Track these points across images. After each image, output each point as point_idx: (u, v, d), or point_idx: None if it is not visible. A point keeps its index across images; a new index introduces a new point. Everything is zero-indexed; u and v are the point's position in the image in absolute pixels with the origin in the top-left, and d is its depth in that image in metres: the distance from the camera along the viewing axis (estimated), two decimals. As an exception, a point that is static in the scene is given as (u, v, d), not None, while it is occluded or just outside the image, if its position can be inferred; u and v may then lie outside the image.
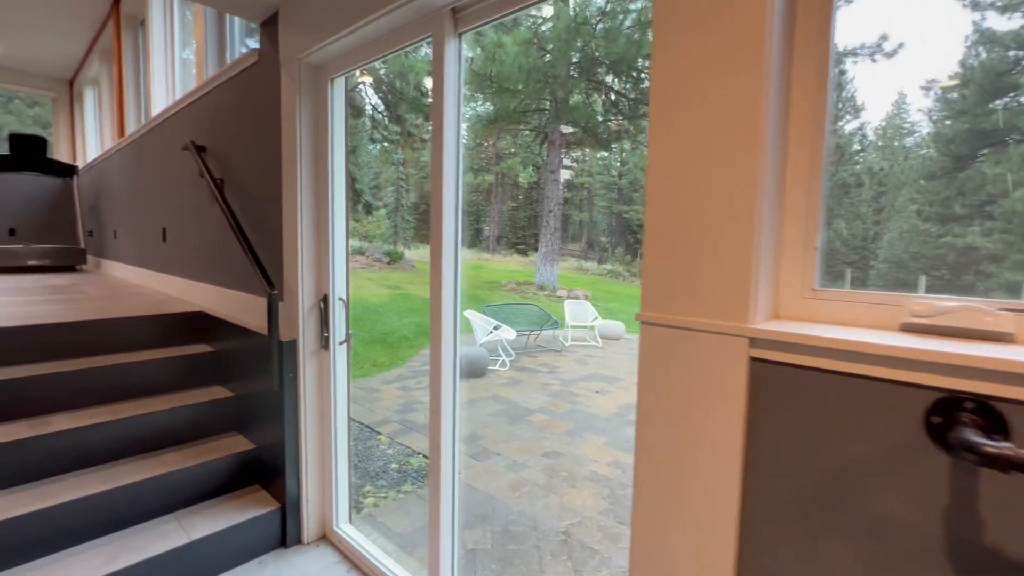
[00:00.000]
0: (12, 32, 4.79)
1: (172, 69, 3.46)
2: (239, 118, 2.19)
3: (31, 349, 1.97)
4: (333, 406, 1.86)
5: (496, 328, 6.09)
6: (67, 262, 4.63)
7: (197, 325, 2.41)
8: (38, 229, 5.89)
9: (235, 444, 2.00)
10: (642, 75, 11.01)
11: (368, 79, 14.21)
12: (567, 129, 13.28)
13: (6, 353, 1.92)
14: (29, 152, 4.74)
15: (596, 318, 7.75)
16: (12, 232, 5.74)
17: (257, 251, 1.93)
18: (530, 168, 20.90)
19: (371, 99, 15.85)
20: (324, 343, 1.82)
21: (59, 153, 6.17)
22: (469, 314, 6.01)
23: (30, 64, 5.61)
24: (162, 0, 3.51)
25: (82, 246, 4.85)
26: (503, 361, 5.90)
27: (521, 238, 23.04)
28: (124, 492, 1.67)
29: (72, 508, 1.57)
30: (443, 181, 1.36)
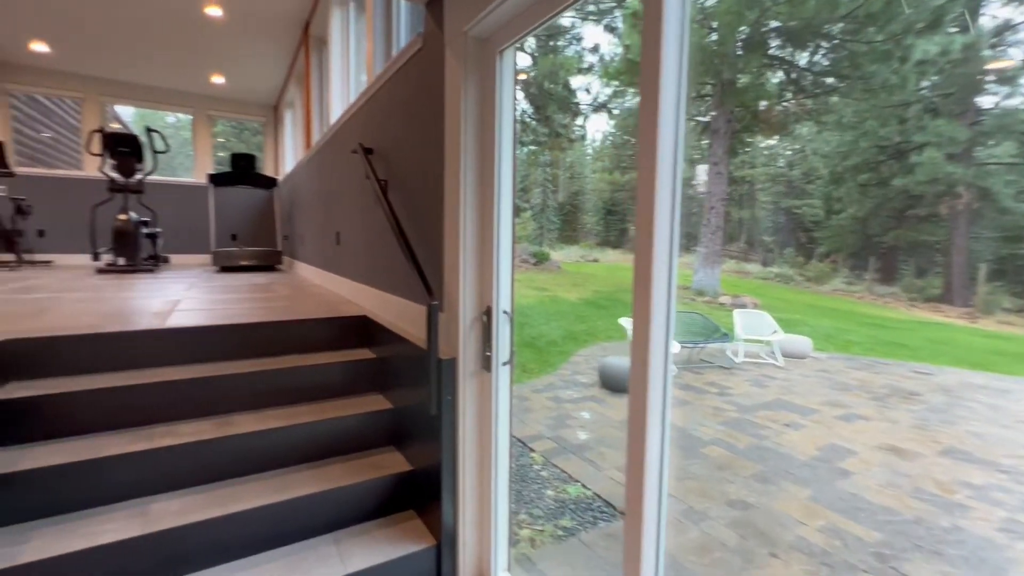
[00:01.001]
0: (233, 68, 5.65)
1: (347, 79, 3.64)
2: (403, 113, 2.06)
3: (220, 347, 2.08)
4: (494, 436, 1.59)
5: (655, 338, 5.51)
6: (268, 262, 5.29)
7: (361, 329, 2.38)
8: (250, 234, 6.96)
9: (393, 462, 1.87)
10: (838, 40, 9.23)
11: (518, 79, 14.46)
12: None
13: (200, 350, 2.04)
14: (245, 168, 5.54)
15: (776, 331, 6.59)
16: (234, 237, 6.84)
17: (418, 255, 1.75)
18: (685, 163, 19.42)
19: (520, 103, 16.17)
20: (486, 363, 1.56)
21: (266, 169, 7.22)
22: (624, 321, 5.50)
23: (246, 94, 6.62)
24: (340, 16, 3.71)
25: (279, 249, 5.51)
26: (662, 375, 5.28)
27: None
28: (293, 505, 1.61)
29: (247, 518, 1.54)
30: (657, 163, 0.96)
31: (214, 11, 4.23)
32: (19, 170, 5.70)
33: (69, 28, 4.71)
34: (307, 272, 4.52)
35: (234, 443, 1.72)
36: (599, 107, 16.62)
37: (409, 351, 1.83)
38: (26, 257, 5.65)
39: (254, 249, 5.26)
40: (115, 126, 9.82)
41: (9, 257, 5.73)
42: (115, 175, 4.81)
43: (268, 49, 5.06)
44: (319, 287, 3.68)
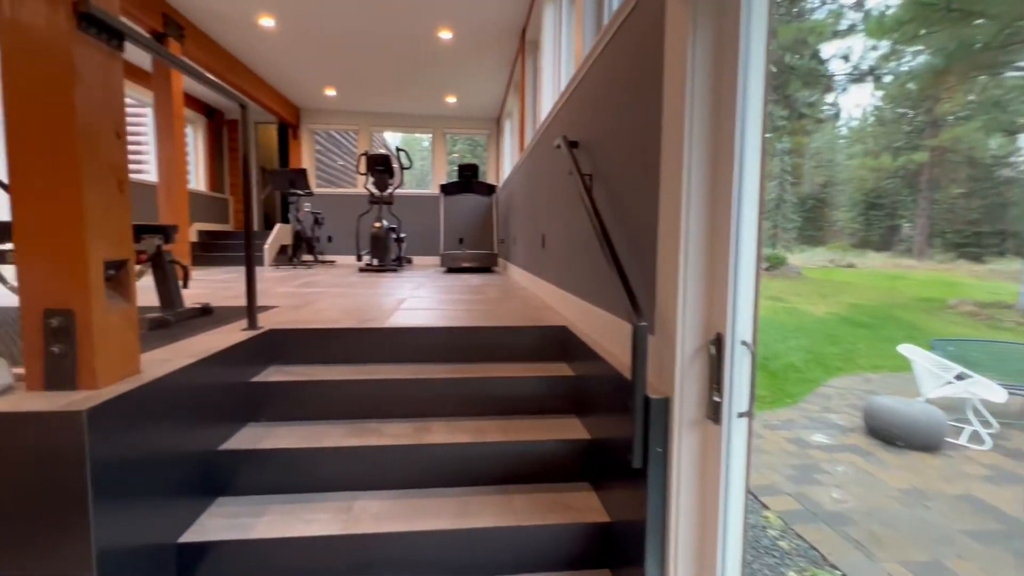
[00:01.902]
0: (462, 86, 6.20)
1: (557, 75, 3.51)
2: (611, 96, 1.76)
3: (425, 349, 2.11)
4: (722, 509, 1.15)
5: (960, 377, 3.92)
6: (486, 264, 5.63)
7: (560, 341, 2.16)
8: (472, 238, 7.60)
9: (587, 506, 1.58)
10: None
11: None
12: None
13: (407, 351, 2.10)
14: (469, 177, 6.04)
15: None
16: (461, 241, 7.57)
17: (623, 262, 1.42)
18: (997, 135, 14.22)
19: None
20: (712, 411, 1.14)
21: (488, 178, 7.79)
22: (907, 350, 4.10)
23: (474, 110, 7.24)
24: (552, 11, 3.61)
25: (495, 251, 5.81)
26: (975, 433, 3.69)
27: (971, 237, 15.76)
28: (474, 536, 1.47)
29: (430, 541, 1.45)
30: None
31: (445, 34, 4.63)
32: (317, 190, 7.34)
33: (347, 74, 5.81)
34: (517, 275, 4.61)
35: (427, 453, 1.67)
36: (861, 76, 13.40)
37: (611, 375, 1.51)
38: (319, 258, 7.25)
39: (474, 252, 5.66)
40: (382, 150, 12.06)
41: (309, 258, 7.43)
42: (373, 189, 5.75)
43: (491, 63, 5.36)
44: (525, 291, 3.65)
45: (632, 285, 1.32)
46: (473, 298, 3.18)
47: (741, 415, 1.11)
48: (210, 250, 6.65)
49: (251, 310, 2.01)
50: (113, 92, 1.25)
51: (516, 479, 1.69)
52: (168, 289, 2.12)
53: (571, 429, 1.80)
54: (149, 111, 5.81)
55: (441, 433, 1.76)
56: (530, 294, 3.43)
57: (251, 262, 1.98)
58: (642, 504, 1.26)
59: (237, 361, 1.78)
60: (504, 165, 6.93)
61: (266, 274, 5.01)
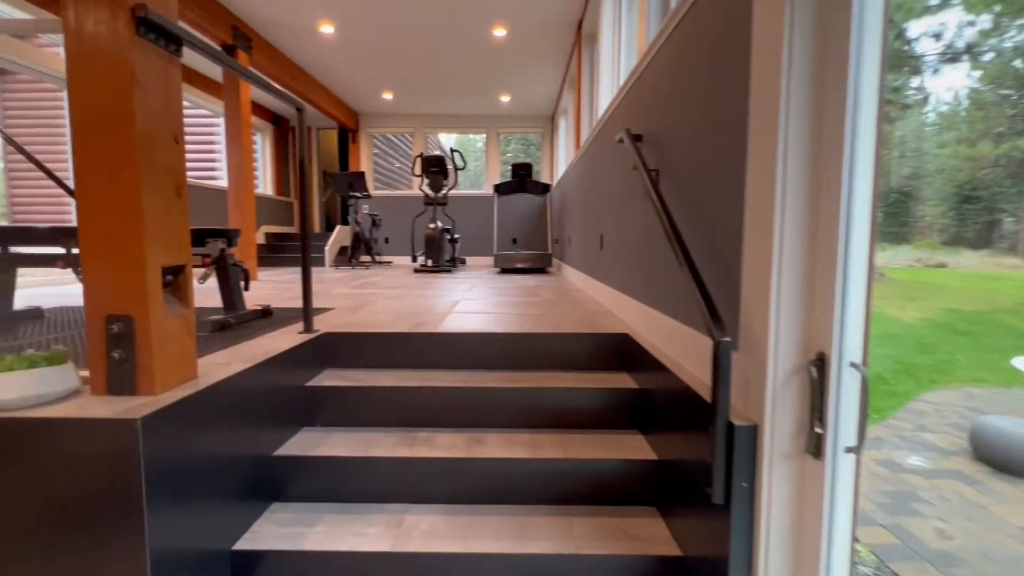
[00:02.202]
0: (516, 85, 6.11)
1: (616, 66, 3.34)
2: (682, 80, 1.59)
3: (478, 356, 2.02)
4: (823, 558, 0.98)
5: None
6: (539, 265, 5.52)
7: (620, 350, 2.02)
8: (526, 238, 7.51)
9: (654, 535, 1.43)
10: None
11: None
12: None
13: (459, 358, 2.02)
14: (523, 177, 5.95)
15: None
16: (515, 241, 7.51)
17: (698, 264, 1.27)
18: None
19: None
20: (813, 443, 0.97)
21: (542, 177, 7.67)
22: (1022, 363, 3.57)
23: (528, 108, 7.14)
24: (612, 2, 3.44)
25: (549, 252, 5.69)
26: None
27: (1092, 232, 13.70)
28: (531, 562, 1.36)
29: (483, 565, 1.36)
30: None
31: (500, 32, 4.56)
32: (375, 192, 7.51)
33: (403, 78, 5.88)
34: (572, 276, 4.46)
35: (480, 467, 1.58)
36: (955, 55, 12.09)
37: (680, 391, 1.36)
38: (377, 259, 7.42)
39: (527, 253, 5.56)
40: (437, 152, 12.23)
41: (367, 259, 7.62)
42: (428, 191, 5.79)
43: (546, 59, 5.24)
44: (581, 293, 3.51)
45: (710, 292, 1.16)
46: (527, 300, 3.08)
47: (849, 450, 0.94)
48: (276, 251, 6.97)
49: (307, 314, 2.00)
50: (171, 97, 1.25)
51: (575, 500, 1.57)
52: (231, 292, 2.16)
53: (635, 447, 1.65)
54: (222, 121, 6.15)
55: (495, 446, 1.67)
56: (586, 297, 3.28)
57: (307, 265, 1.98)
58: (722, 541, 1.11)
59: (293, 365, 1.78)
60: (558, 163, 6.79)
61: (327, 275, 5.16)
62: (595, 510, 1.55)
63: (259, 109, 7.09)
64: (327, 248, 6.60)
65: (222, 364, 1.50)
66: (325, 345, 2.03)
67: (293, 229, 8.04)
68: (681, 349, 1.53)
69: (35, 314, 2.33)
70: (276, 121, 7.58)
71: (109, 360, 1.18)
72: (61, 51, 4.25)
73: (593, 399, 1.80)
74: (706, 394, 1.20)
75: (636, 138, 1.95)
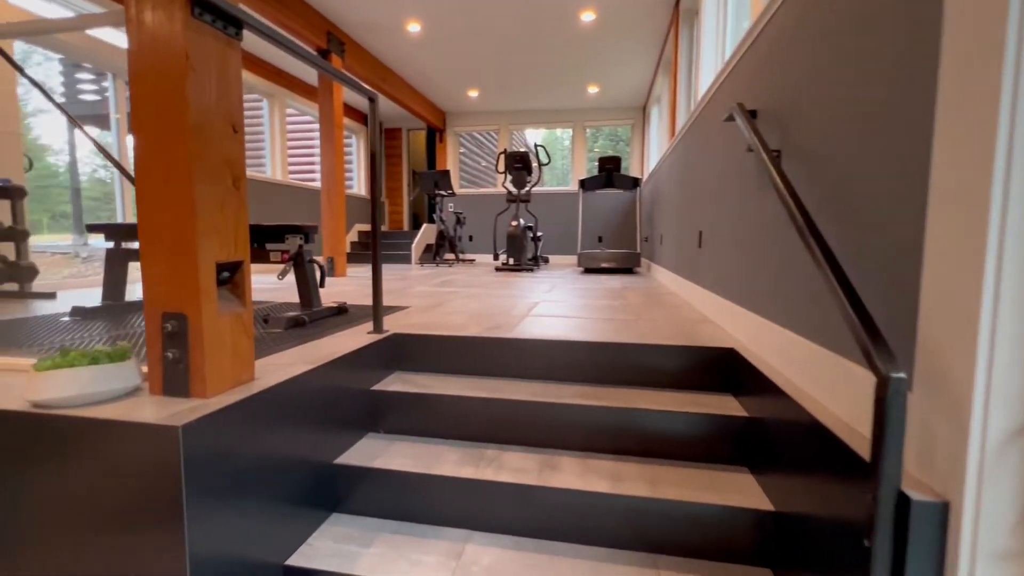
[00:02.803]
0: (605, 74, 5.78)
1: (721, 38, 2.94)
2: (817, 39, 1.26)
3: (555, 366, 1.81)
4: None
5: None
6: (627, 265, 5.16)
7: (725, 368, 1.70)
8: (613, 236, 7.14)
9: (768, 607, 1.13)
10: None
11: None
12: None
13: (535, 367, 1.82)
14: (610, 171, 5.62)
15: None
16: (600, 239, 7.17)
17: (842, 265, 0.95)
18: None
19: None
20: (1050, 542, 0.63)
21: (632, 171, 7.24)
22: None
23: (617, 99, 6.76)
24: (720, -30, 3.04)
25: (637, 251, 5.31)
26: None
27: None
28: (607, 618, 1.13)
29: (551, 611, 1.15)
30: None
31: (588, 16, 4.29)
32: (460, 191, 7.56)
33: (488, 74, 5.80)
34: (663, 277, 4.09)
35: (553, 497, 1.37)
36: None
37: (808, 425, 1.05)
38: (461, 256, 7.47)
39: (613, 252, 5.23)
40: (523, 149, 12.17)
41: (451, 257, 7.70)
42: (511, 188, 5.66)
43: (638, 43, 4.87)
44: (674, 297, 3.15)
45: (866, 306, 0.85)
46: (613, 304, 2.81)
47: (1123, 563, 0.59)
48: (367, 248, 7.26)
49: (376, 314, 1.92)
50: (229, 83, 1.18)
51: (666, 549, 1.31)
52: (307, 288, 2.15)
53: (743, 490, 1.34)
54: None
55: (571, 472, 1.44)
56: (680, 301, 2.93)
57: (377, 264, 1.89)
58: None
59: (359, 367, 1.69)
60: (649, 156, 6.35)
61: (411, 272, 5.23)
62: (692, 565, 1.27)
63: (354, 112, 7.42)
64: (413, 246, 6.74)
65: (285, 365, 1.43)
66: (394, 346, 1.93)
67: (385, 227, 8.36)
68: (810, 373, 1.20)
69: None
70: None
71: (164, 360, 1.13)
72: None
73: (689, 424, 1.51)
74: (846, 435, 0.89)
75: (750, 115, 1.62)
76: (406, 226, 8.47)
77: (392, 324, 2.09)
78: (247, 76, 5.19)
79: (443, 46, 5.02)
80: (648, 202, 5.46)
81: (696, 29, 3.69)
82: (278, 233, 2.09)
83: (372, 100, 1.83)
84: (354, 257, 6.95)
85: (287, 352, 1.59)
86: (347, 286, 3.77)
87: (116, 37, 3.83)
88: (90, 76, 4.26)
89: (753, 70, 1.78)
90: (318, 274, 2.21)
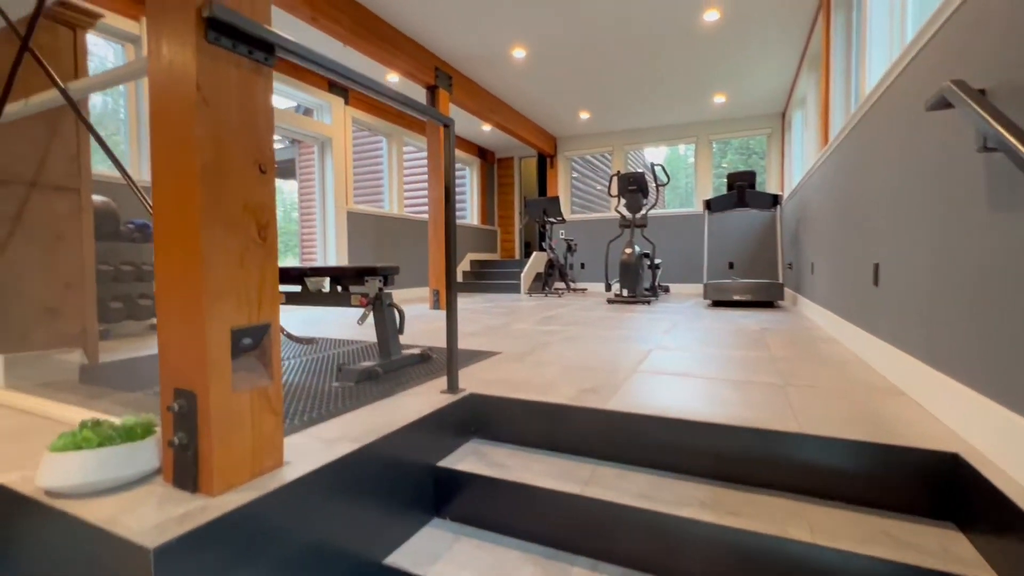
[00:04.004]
0: (734, 80, 5.10)
1: (902, 22, 2.26)
2: None
3: (668, 452, 1.35)
4: None
5: None
6: (766, 297, 4.37)
7: (941, 482, 1.10)
8: (747, 262, 6.23)
9: None
10: None
11: None
12: None
13: (642, 450, 1.38)
14: (742, 188, 4.88)
15: None
16: (731, 265, 6.32)
17: None
18: None
19: None
20: None
21: (768, 186, 6.31)
22: None
23: (749, 107, 5.96)
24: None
25: (780, 281, 4.48)
26: None
27: None
28: None
29: None
30: None
31: (711, 15, 3.76)
32: (572, 216, 7.26)
33: (599, 93, 5.48)
34: (816, 316, 3.30)
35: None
36: None
37: None
38: (572, 286, 7.11)
39: (749, 282, 4.46)
40: (640, 169, 11.53)
41: (561, 286, 7.38)
42: (624, 212, 5.20)
43: (773, 38, 4.18)
44: (835, 346, 2.45)
45: None
46: (749, 356, 2.23)
47: None
48: (480, 278, 7.26)
49: (451, 370, 1.65)
50: (255, 116, 1.00)
51: None
52: (385, 335, 1.97)
53: None
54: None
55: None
56: (846, 354, 2.24)
57: (452, 308, 1.63)
58: None
59: (425, 436, 1.42)
60: (792, 169, 5.44)
61: (518, 304, 5.01)
62: None
63: (467, 144, 7.58)
64: (522, 275, 6.56)
65: (332, 440, 1.21)
66: (470, 409, 1.63)
67: (496, 256, 8.36)
68: None
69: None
70: (482, 154, 8.02)
71: (172, 445, 0.95)
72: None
73: (880, 574, 0.96)
74: None
75: (978, 94, 1.06)
76: (518, 254, 8.38)
77: (472, 379, 1.81)
78: (366, 118, 5.51)
79: (550, 69, 4.82)
80: (792, 222, 4.61)
81: (857, 11, 2.98)
82: (357, 275, 1.96)
83: (447, 126, 1.61)
84: (464, 287, 6.98)
85: (341, 419, 1.38)
86: (442, 321, 3.63)
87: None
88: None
89: (975, 29, 1.20)
90: (398, 319, 2.02)
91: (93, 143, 3.39)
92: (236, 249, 0.96)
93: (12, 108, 1.51)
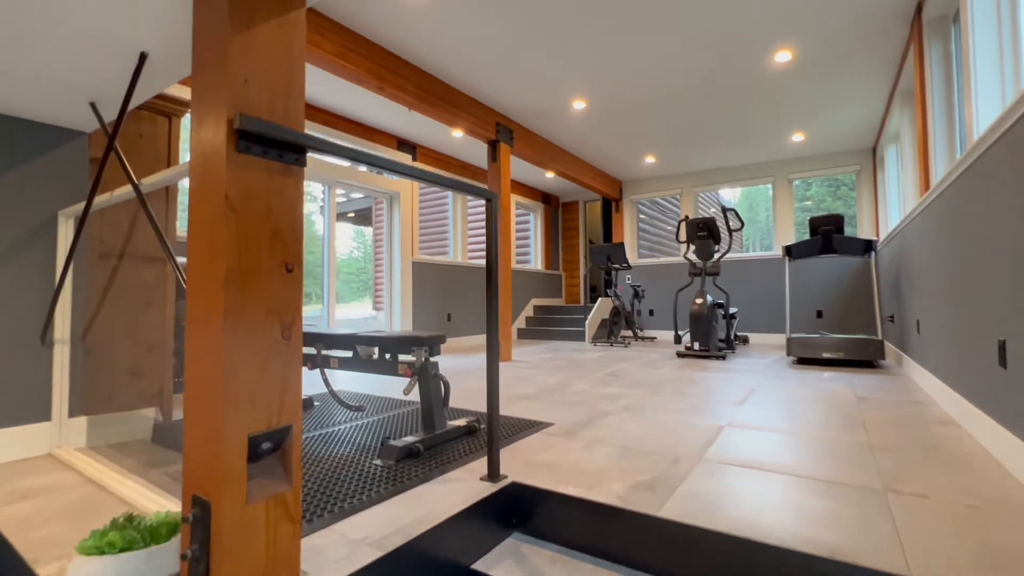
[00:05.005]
0: (814, 117, 4.76)
1: (1014, 49, 1.97)
2: None
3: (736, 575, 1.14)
4: None
5: None
6: (863, 356, 3.87)
7: None
8: (837, 314, 5.62)
9: None
10: None
11: None
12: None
13: (709, 571, 1.18)
14: (827, 233, 4.45)
15: None
16: (820, 315, 5.75)
17: None
18: None
19: None
20: None
21: (863, 230, 5.74)
22: None
23: (833, 144, 5.52)
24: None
25: (879, 337, 3.96)
26: None
27: None
28: None
29: None
30: None
31: (783, 56, 3.55)
32: (639, 260, 7.01)
33: (664, 137, 5.33)
34: (927, 384, 2.84)
35: None
36: None
37: None
38: (640, 334, 6.79)
39: (842, 338, 3.98)
40: (714, 210, 11.02)
41: (628, 334, 7.07)
42: (694, 259, 4.92)
43: (855, 75, 3.86)
44: (953, 433, 2.06)
45: None
46: (841, 441, 1.91)
47: None
48: (543, 324, 7.15)
49: (491, 456, 1.54)
50: (284, 215, 1.00)
51: None
52: (430, 407, 1.91)
53: None
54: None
55: None
56: (969, 447, 1.86)
57: (494, 390, 1.54)
58: None
59: (459, 534, 1.31)
60: (888, 209, 4.91)
61: (582, 354, 4.83)
62: None
63: (531, 190, 7.66)
64: (587, 322, 6.37)
65: (354, 543, 1.14)
66: (511, 500, 1.51)
67: (561, 301, 8.24)
68: None
69: (306, 404, 2.61)
70: (546, 199, 8.07)
71: (186, 557, 0.92)
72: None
73: None
74: None
75: None
76: (583, 299, 8.20)
77: (516, 461, 1.68)
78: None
79: (612, 118, 4.78)
80: (890, 270, 4.11)
81: (956, 41, 2.67)
82: (403, 344, 1.94)
83: (489, 200, 1.57)
84: (528, 333, 6.89)
85: (372, 512, 1.31)
86: (504, 376, 3.54)
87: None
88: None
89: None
90: (443, 390, 1.96)
91: (182, 214, 3.74)
92: (259, 353, 0.94)
93: (100, 199, 1.67)
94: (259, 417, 0.94)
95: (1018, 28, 2.01)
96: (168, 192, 2.34)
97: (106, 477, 1.56)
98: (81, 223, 1.68)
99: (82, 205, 1.86)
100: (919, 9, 2.92)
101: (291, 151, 1.01)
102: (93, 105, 1.73)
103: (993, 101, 2.08)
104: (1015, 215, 1.47)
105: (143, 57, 1.42)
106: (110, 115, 1.86)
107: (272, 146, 0.97)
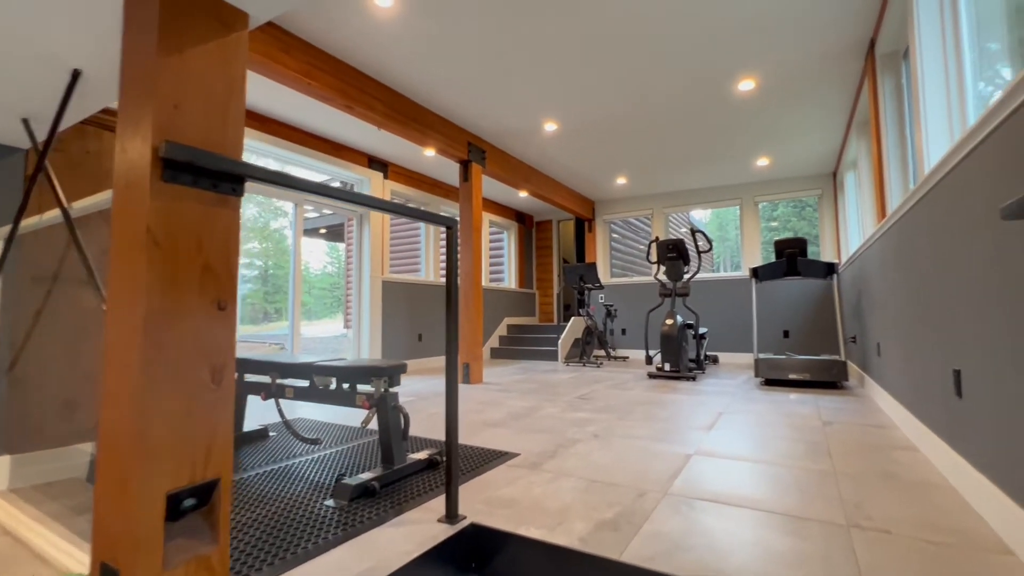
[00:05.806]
0: (775, 144, 4.91)
1: (959, 85, 2.05)
2: None
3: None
4: None
5: None
6: (826, 377, 3.93)
7: None
8: (801, 336, 5.75)
9: None
10: None
11: None
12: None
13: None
14: (791, 256, 4.56)
15: None
16: (786, 334, 5.86)
17: None
18: None
19: None
20: None
21: (825, 250, 5.91)
22: None
23: (796, 168, 5.71)
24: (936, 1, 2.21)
25: (842, 358, 4.04)
26: None
27: None
28: None
29: None
30: None
31: (746, 85, 3.65)
32: (612, 280, 7.05)
33: (635, 160, 5.42)
34: (888, 407, 2.89)
35: None
36: None
37: None
38: (612, 353, 6.80)
39: (808, 359, 4.05)
40: (683, 230, 11.24)
41: (601, 353, 7.07)
42: (664, 279, 4.96)
43: (816, 103, 4.00)
44: (914, 459, 2.08)
45: None
46: (807, 470, 1.90)
47: None
48: (516, 343, 7.09)
49: (450, 495, 1.47)
50: (216, 250, 0.92)
51: None
52: (388, 441, 1.82)
53: None
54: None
55: None
56: (929, 475, 1.88)
57: (453, 416, 1.47)
58: None
59: (410, 586, 1.22)
60: (848, 232, 5.07)
61: (554, 375, 4.78)
62: None
63: (504, 209, 7.66)
64: (560, 341, 6.34)
65: (292, 601, 1.04)
66: (469, 543, 1.43)
67: (535, 320, 8.20)
68: None
69: (261, 434, 2.47)
70: (520, 218, 8.08)
71: (91, 633, 0.82)
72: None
73: None
74: None
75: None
76: (557, 318, 8.18)
77: (477, 498, 1.61)
78: (404, 190, 5.67)
79: (584, 140, 4.83)
80: (851, 292, 4.22)
81: (907, 76, 2.79)
82: (360, 374, 1.85)
83: (450, 228, 1.52)
84: (501, 352, 6.82)
85: (315, 564, 1.22)
86: (473, 400, 3.46)
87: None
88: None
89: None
90: (402, 422, 1.88)
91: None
92: (183, 400, 0.86)
93: (28, 222, 1.55)
94: (181, 471, 0.86)
95: (963, 64, 2.10)
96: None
97: (22, 526, 1.42)
98: (8, 243, 1.55)
99: (8, 227, 1.73)
100: (872, 45, 3.05)
101: (226, 180, 0.94)
102: (26, 122, 1.62)
103: (942, 132, 2.16)
104: (964, 248, 1.51)
105: (76, 74, 1.33)
106: (46, 133, 1.75)
107: (203, 175, 0.90)
